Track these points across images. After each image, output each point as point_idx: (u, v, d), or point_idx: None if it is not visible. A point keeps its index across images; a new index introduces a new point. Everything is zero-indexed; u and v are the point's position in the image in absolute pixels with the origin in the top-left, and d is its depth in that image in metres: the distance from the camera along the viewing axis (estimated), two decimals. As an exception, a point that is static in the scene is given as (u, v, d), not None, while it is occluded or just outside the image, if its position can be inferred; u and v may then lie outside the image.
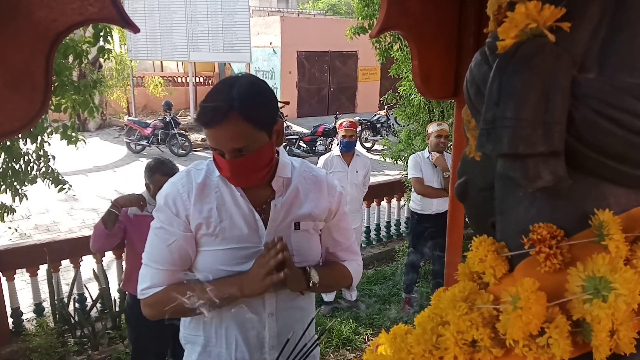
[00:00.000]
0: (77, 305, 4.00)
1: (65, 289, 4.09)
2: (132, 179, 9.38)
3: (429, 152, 4.31)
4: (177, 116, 12.87)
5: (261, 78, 1.37)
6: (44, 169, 4.07)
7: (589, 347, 0.55)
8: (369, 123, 12.32)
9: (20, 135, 3.68)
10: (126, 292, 3.10)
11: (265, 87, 1.30)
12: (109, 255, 4.29)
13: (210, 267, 1.44)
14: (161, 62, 18.72)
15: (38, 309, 3.99)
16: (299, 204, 1.45)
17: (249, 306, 1.43)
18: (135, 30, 1.23)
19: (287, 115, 13.04)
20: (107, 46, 3.88)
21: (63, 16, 1.11)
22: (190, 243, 1.43)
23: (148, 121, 12.20)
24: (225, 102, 1.21)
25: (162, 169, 2.84)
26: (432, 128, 4.33)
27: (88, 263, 4.10)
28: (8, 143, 3.68)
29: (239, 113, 1.21)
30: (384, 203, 5.78)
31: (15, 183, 3.89)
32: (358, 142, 10.99)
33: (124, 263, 3.65)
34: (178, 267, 1.43)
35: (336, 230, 1.58)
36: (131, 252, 2.89)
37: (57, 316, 3.90)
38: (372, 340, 0.78)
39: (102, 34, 3.58)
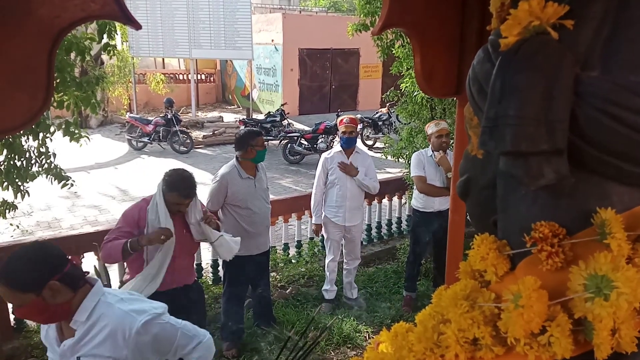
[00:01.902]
0: (78, 301, 4.00)
1: (66, 285, 4.08)
2: (134, 176, 9.39)
3: (432, 151, 4.28)
4: (179, 113, 12.85)
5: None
6: (46, 166, 4.07)
7: (590, 345, 0.55)
8: (370, 121, 12.29)
9: (22, 132, 3.68)
10: None
11: (34, 259, 1.60)
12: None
13: None
14: (163, 59, 18.70)
15: (40, 305, 3.99)
16: (86, 344, 1.68)
17: None
18: (137, 27, 1.23)
19: (288, 113, 13.03)
20: (111, 42, 3.87)
21: (65, 13, 1.11)
22: None
23: (150, 118, 12.18)
24: None
25: (180, 189, 2.77)
26: (430, 129, 4.28)
27: (89, 260, 4.10)
28: (10, 139, 3.68)
29: (3, 282, 1.56)
30: (385, 200, 5.77)
31: (17, 180, 3.89)
32: (359, 140, 10.97)
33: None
34: None
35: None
36: (136, 258, 2.86)
37: (58, 312, 3.89)
38: (373, 338, 0.78)
39: (106, 29, 3.57)
